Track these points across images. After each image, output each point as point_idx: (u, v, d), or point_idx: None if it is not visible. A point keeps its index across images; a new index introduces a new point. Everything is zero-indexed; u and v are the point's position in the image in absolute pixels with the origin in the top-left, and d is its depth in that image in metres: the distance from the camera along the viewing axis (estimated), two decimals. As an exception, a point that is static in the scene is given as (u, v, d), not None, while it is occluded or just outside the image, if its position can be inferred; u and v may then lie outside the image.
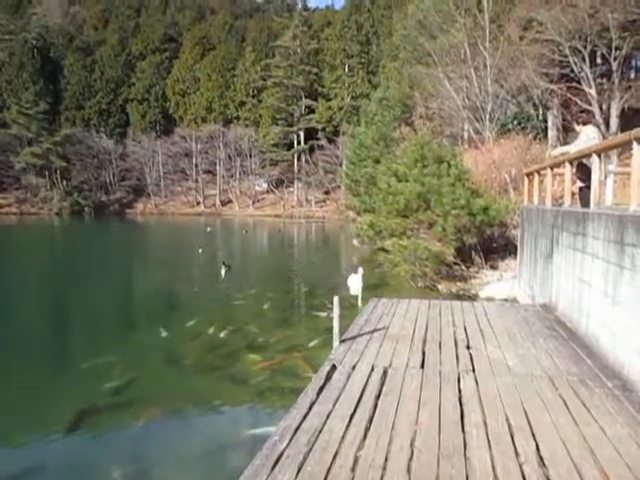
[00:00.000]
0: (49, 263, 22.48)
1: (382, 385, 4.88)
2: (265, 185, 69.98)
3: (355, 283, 12.09)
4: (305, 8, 79.97)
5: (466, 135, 28.39)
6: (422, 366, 5.45)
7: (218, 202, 69.86)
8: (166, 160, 70.38)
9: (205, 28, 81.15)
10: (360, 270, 11.79)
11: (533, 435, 3.79)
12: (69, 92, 72.24)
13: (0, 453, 5.78)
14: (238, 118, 72.34)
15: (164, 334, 9.81)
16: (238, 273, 17.35)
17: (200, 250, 23.76)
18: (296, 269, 20.79)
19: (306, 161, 66.06)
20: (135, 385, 7.41)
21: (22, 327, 11.46)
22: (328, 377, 5.08)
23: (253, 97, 72.50)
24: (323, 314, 11.27)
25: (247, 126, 69.59)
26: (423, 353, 5.90)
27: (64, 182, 66.93)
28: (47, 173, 66.56)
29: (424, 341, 6.42)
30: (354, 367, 5.38)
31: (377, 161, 21.77)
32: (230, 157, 69.39)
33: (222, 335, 9.68)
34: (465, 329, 7.08)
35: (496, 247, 15.91)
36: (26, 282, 17.62)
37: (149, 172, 70.24)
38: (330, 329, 6.54)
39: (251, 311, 12.07)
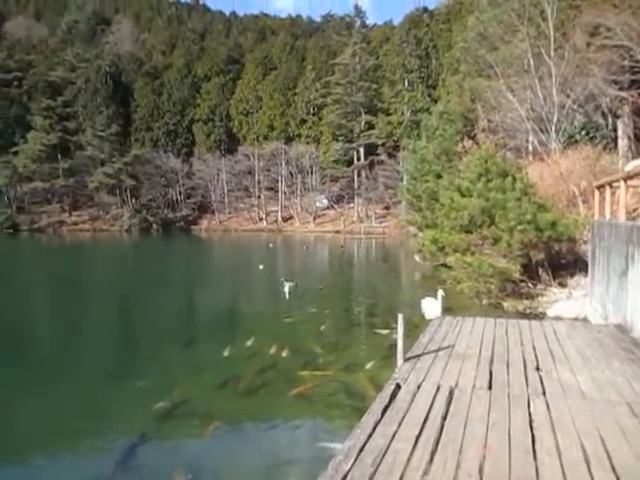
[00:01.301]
0: (118, 277, 23.43)
1: (448, 406, 4.77)
2: (325, 201, 70.43)
3: (432, 307, 11.15)
4: (364, 25, 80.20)
5: (530, 147, 27.61)
6: (489, 387, 5.30)
7: (279, 218, 70.87)
8: (230, 178, 72.32)
9: (267, 49, 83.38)
10: (440, 292, 10.69)
11: (612, 466, 3.59)
12: (139, 114, 75.96)
13: (69, 461, 6.06)
14: (299, 136, 73.51)
15: (226, 353, 9.94)
16: (299, 290, 17.47)
17: (261, 267, 24.12)
18: (357, 286, 20.76)
19: (366, 177, 65.98)
20: (197, 400, 7.57)
21: (89, 340, 12.07)
22: (393, 396, 5.01)
23: (314, 115, 73.60)
24: (385, 332, 11.16)
25: (308, 143, 70.57)
26: (490, 373, 5.74)
27: (134, 200, 70.02)
28: (118, 192, 70.06)
29: (491, 361, 6.24)
30: (419, 386, 5.29)
31: (439, 176, 21.49)
32: (291, 174, 70.50)
33: (283, 354, 9.71)
34: (534, 349, 6.83)
35: (565, 263, 15.27)
36: (95, 296, 18.47)
37: (213, 190, 72.31)
38: (392, 347, 6.47)
39: (312, 329, 12.07)
